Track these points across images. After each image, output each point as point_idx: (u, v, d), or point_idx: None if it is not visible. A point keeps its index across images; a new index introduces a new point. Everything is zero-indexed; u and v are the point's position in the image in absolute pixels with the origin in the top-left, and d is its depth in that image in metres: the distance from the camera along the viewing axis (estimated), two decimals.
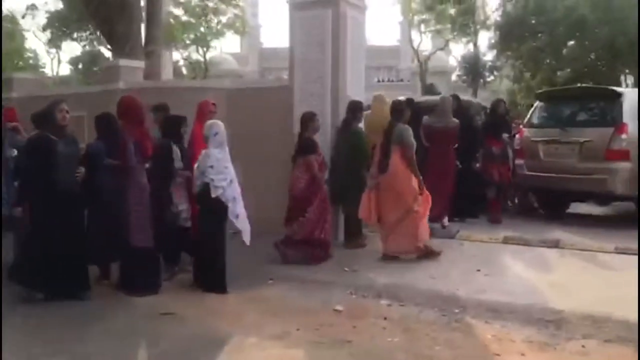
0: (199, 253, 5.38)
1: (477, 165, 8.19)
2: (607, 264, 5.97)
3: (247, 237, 5.44)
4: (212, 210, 5.23)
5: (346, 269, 5.92)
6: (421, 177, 6.18)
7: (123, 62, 8.55)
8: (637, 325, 4.19)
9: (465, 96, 10.53)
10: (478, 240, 7.01)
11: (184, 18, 35.57)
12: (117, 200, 5.09)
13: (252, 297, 5.20)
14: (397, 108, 6.47)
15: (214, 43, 38.94)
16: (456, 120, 7.81)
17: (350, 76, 7.18)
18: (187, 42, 37.48)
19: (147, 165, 5.44)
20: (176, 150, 5.73)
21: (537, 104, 9.18)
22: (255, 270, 5.92)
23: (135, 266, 5.09)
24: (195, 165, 5.40)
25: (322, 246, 6.26)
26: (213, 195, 5.18)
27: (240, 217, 5.30)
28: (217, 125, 5.36)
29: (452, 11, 29.46)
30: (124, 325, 4.50)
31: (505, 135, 8.21)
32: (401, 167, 6.15)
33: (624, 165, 7.66)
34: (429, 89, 31.20)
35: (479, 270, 5.75)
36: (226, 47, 42.05)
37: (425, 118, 7.88)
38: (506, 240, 6.89)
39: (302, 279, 5.64)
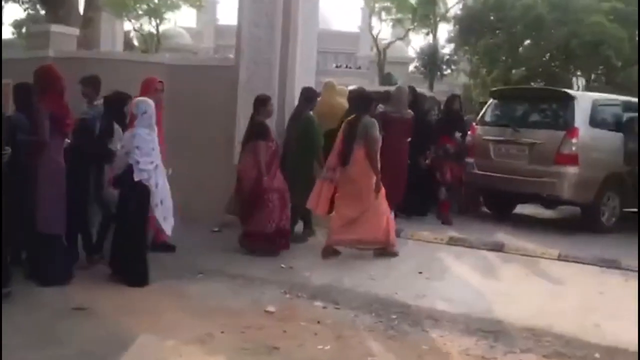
0: (117, 241, 4.93)
1: (427, 161, 7.94)
2: (550, 272, 5.82)
3: (168, 228, 5.02)
4: (134, 195, 4.79)
5: (283, 265, 5.59)
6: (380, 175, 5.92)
7: (54, 27, 7.84)
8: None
9: (421, 89, 10.27)
10: (423, 239, 6.78)
11: None
12: (26, 180, 4.56)
13: (177, 292, 4.82)
14: (364, 99, 6.18)
15: (168, 15, 37.81)
16: (411, 112, 7.57)
17: (300, 60, 6.83)
18: (140, 12, 36.25)
19: (67, 141, 4.96)
20: (119, 131, 5.27)
21: (490, 101, 9.03)
22: (184, 262, 5.53)
23: (43, 254, 4.59)
24: (120, 145, 4.95)
25: (285, 235, 5.96)
26: (136, 179, 4.74)
27: (163, 205, 4.88)
28: (146, 104, 4.91)
29: (413, 1, 29.35)
30: (29, 321, 4.05)
31: (457, 135, 7.96)
32: (364, 162, 5.87)
33: (573, 170, 7.57)
34: (386, 79, 31.11)
35: (420, 273, 5.53)
36: (181, 21, 40.92)
37: (381, 106, 7.59)
38: (451, 241, 6.68)
39: (235, 275, 5.29)
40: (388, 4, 31.25)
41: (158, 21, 36.73)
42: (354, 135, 5.90)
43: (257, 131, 5.93)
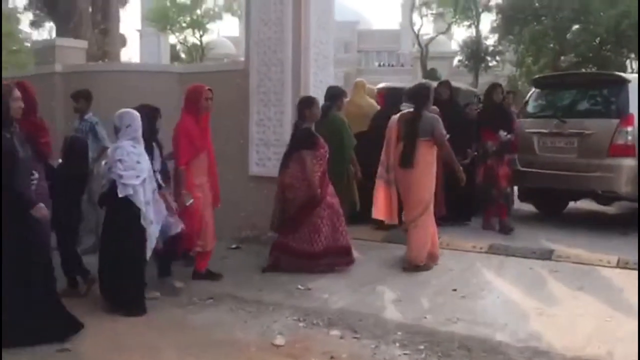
0: (104, 265, 4.46)
1: (466, 160, 7.17)
2: (607, 283, 5.04)
3: (149, 249, 4.47)
4: (120, 213, 4.32)
5: (300, 286, 5.02)
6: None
7: (60, 41, 7.55)
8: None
9: (456, 83, 9.50)
10: (459, 249, 6.08)
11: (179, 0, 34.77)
12: None
13: (179, 323, 4.33)
14: (421, 94, 5.64)
15: (211, 26, 38.11)
16: (436, 108, 6.88)
17: (315, 59, 6.25)
18: (183, 24, 36.66)
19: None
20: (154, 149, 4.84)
21: (532, 90, 8.22)
22: (194, 285, 5.07)
23: None
24: (103, 162, 4.50)
25: (347, 252, 5.42)
26: (120, 195, 4.26)
27: (154, 224, 4.39)
28: (130, 116, 4.42)
29: None
30: None
31: (502, 133, 7.06)
32: (425, 162, 5.39)
33: (630, 162, 6.71)
34: (429, 74, 30.27)
35: (454, 290, 4.85)
36: (224, 31, 41.18)
37: (404, 105, 6.93)
38: (492, 250, 5.96)
39: (248, 299, 4.76)
40: None
41: (201, 32, 37.06)
42: (416, 133, 5.38)
43: (303, 139, 5.33)
